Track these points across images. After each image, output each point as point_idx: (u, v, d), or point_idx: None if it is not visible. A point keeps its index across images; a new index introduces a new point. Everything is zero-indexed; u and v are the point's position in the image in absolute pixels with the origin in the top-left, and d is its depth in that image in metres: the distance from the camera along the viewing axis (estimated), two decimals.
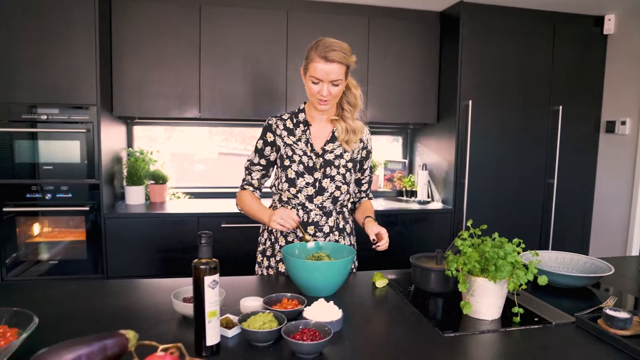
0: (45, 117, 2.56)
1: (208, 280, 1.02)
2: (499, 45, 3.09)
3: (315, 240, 1.60)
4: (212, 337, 1.03)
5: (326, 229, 1.67)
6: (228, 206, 2.97)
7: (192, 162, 3.51)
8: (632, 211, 3.04)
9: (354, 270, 1.74)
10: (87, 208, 2.62)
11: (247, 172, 1.72)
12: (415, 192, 3.48)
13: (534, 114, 3.19)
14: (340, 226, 1.70)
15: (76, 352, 0.78)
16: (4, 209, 2.53)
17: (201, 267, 1.02)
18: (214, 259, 1.04)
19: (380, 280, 1.52)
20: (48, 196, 2.59)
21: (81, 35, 2.54)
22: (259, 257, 1.73)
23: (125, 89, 2.85)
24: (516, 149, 3.19)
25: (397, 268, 1.75)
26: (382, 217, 3.05)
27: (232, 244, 2.79)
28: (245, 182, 1.72)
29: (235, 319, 1.17)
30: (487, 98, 3.10)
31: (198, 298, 1.02)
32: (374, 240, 1.53)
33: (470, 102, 3.04)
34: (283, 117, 1.67)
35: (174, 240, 2.74)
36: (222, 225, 2.79)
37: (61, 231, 2.69)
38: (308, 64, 1.52)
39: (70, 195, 2.61)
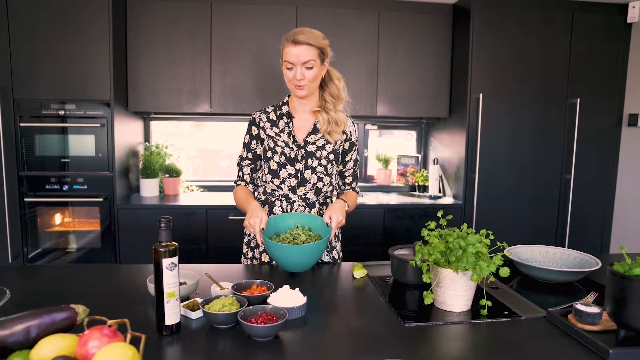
0: (63, 112, 2.70)
1: (166, 262, 1.07)
2: (513, 36, 3.00)
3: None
4: (171, 316, 1.07)
5: None
6: None
7: (219, 157, 3.62)
8: None
9: (338, 260, 1.75)
10: (101, 199, 2.75)
11: (238, 168, 1.77)
12: (428, 187, 3.44)
13: (549, 106, 3.08)
14: None
15: (26, 323, 0.84)
16: (26, 200, 2.70)
17: (160, 249, 1.07)
18: (173, 242, 1.09)
19: (359, 271, 1.53)
20: (65, 187, 2.74)
21: (97, 35, 2.66)
22: (244, 249, 1.78)
23: (140, 85, 2.97)
24: (530, 143, 3.09)
25: None
26: (392, 212, 3.04)
27: (239, 236, 2.85)
28: (238, 179, 1.77)
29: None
30: (499, 91, 3.02)
31: (157, 279, 1.07)
32: (327, 224, 1.54)
33: (481, 95, 2.97)
34: (267, 110, 1.71)
35: (183, 231, 2.84)
36: (230, 218, 2.86)
37: (79, 221, 2.83)
38: (282, 53, 1.58)
39: (86, 187, 2.75)
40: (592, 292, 1.39)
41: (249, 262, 1.74)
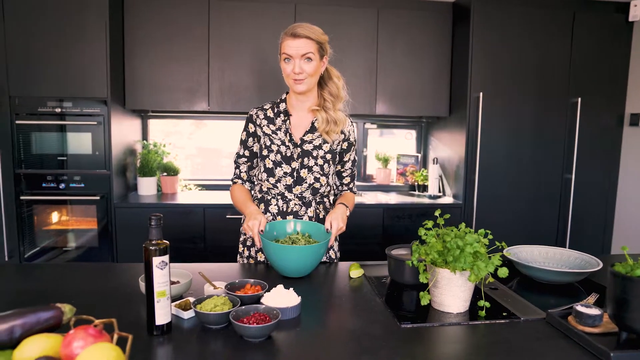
0: (60, 110, 2.68)
1: (156, 261, 1.04)
2: (513, 34, 2.97)
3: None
4: (162, 316, 1.05)
5: (305, 219, 1.66)
6: None
7: (220, 157, 3.60)
8: None
9: (335, 260, 1.73)
10: (98, 197, 2.73)
11: (235, 165, 1.75)
12: (427, 186, 3.41)
13: (550, 106, 3.05)
14: (321, 216, 1.69)
15: (10, 323, 0.82)
16: (22, 198, 2.67)
17: (150, 248, 1.05)
18: (164, 241, 1.06)
19: (355, 271, 1.51)
20: (62, 186, 2.72)
21: (94, 32, 2.64)
22: (240, 247, 1.75)
23: (137, 83, 2.94)
24: (531, 143, 3.06)
25: None
26: (391, 212, 3.01)
27: (236, 235, 2.82)
28: (235, 176, 1.75)
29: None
30: (500, 90, 3.00)
31: (148, 278, 1.05)
32: (327, 230, 1.52)
33: (482, 94, 2.94)
34: (264, 107, 1.68)
35: (180, 230, 2.82)
36: (227, 217, 2.83)
37: (76, 220, 2.81)
38: (280, 47, 1.56)
39: (82, 185, 2.73)
40: (592, 293, 1.36)
41: (245, 261, 1.72)
